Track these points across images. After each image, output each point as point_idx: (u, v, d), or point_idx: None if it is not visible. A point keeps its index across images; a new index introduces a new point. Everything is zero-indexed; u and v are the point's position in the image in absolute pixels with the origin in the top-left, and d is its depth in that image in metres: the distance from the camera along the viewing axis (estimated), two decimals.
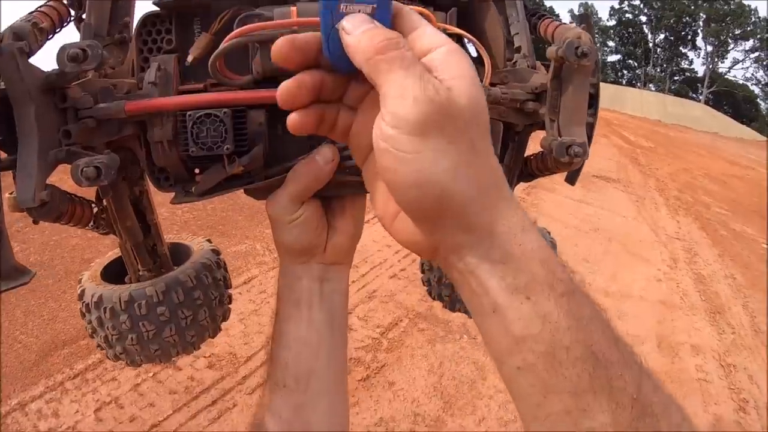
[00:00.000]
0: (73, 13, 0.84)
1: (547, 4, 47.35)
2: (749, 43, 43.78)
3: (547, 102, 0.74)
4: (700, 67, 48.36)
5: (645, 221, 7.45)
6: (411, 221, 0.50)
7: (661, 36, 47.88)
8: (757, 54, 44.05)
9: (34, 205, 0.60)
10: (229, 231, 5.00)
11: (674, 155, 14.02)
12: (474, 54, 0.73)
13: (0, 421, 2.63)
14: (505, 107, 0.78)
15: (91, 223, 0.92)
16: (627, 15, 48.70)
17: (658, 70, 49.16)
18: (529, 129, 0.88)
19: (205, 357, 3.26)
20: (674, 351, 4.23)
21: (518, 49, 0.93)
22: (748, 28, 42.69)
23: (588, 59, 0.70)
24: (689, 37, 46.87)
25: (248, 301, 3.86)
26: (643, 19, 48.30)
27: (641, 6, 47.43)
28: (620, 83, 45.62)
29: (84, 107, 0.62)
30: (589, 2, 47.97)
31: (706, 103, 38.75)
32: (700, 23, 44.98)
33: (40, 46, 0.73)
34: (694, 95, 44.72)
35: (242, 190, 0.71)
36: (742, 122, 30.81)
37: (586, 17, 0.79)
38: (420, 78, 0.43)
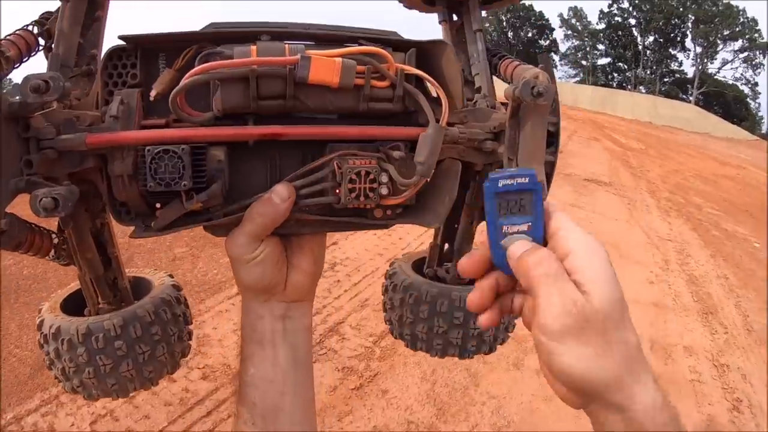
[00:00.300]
0: (42, 42, 0.85)
1: (537, 8, 47.75)
2: (738, 44, 44.08)
3: (506, 141, 0.76)
4: (689, 69, 48.62)
5: (637, 224, 7.49)
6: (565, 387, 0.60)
7: (651, 38, 48.14)
8: (745, 54, 44.32)
9: None
10: (220, 242, 4.96)
11: (665, 157, 14.09)
12: (434, 94, 0.75)
13: None
14: (464, 147, 0.79)
15: (52, 254, 0.92)
16: (616, 18, 48.95)
17: (648, 72, 49.41)
18: (488, 168, 0.89)
19: (199, 368, 3.26)
20: (667, 353, 4.25)
21: (479, 89, 0.96)
22: (737, 29, 42.98)
23: (544, 99, 0.71)
24: (678, 38, 47.12)
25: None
26: (633, 21, 48.57)
27: (630, 9, 47.76)
28: (611, 86, 45.80)
29: (46, 138, 0.61)
30: (578, 6, 48.39)
31: (697, 103, 38.94)
32: (689, 25, 45.24)
33: (5, 75, 0.74)
34: (684, 96, 44.93)
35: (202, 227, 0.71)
36: (733, 122, 30.92)
37: (546, 59, 0.81)
38: (561, 292, 0.56)
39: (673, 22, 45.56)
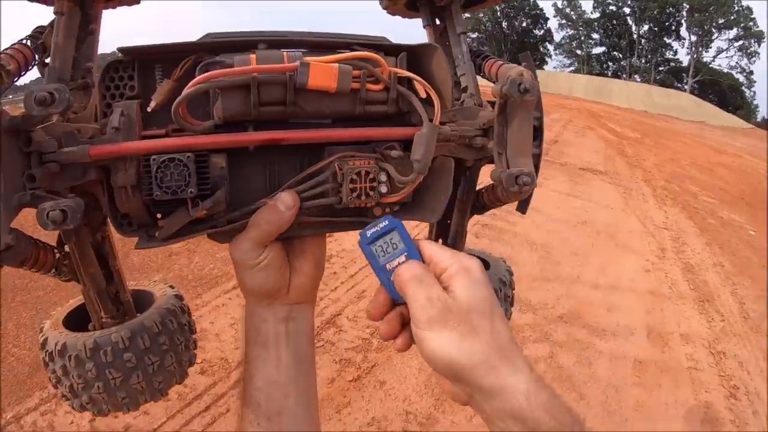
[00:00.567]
0: (37, 57, 0.85)
1: None
2: (733, 32, 43.98)
3: (495, 136, 0.79)
4: (684, 57, 48.57)
5: (633, 212, 7.50)
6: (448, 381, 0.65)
7: (645, 27, 48.06)
8: (740, 42, 44.28)
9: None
10: None
11: (661, 145, 14.11)
12: (423, 95, 0.78)
13: None
14: (455, 144, 0.82)
15: (54, 270, 0.91)
16: (611, 7, 48.82)
17: (643, 61, 49.37)
18: (479, 163, 0.93)
19: (197, 363, 3.25)
20: (664, 341, 4.27)
21: (465, 89, 0.99)
22: (732, 17, 42.94)
23: (530, 94, 0.75)
24: (673, 27, 47.07)
25: (238, 306, 3.86)
26: (627, 10, 48.44)
27: None
28: (606, 75, 45.81)
29: (48, 151, 0.62)
30: None
31: (692, 92, 38.90)
32: (684, 13, 45.16)
33: (7, 88, 0.74)
34: (679, 85, 45.00)
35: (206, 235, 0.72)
36: (728, 110, 30.98)
37: (527, 57, 0.85)
38: (427, 290, 0.63)
39: (667, 11, 45.49)
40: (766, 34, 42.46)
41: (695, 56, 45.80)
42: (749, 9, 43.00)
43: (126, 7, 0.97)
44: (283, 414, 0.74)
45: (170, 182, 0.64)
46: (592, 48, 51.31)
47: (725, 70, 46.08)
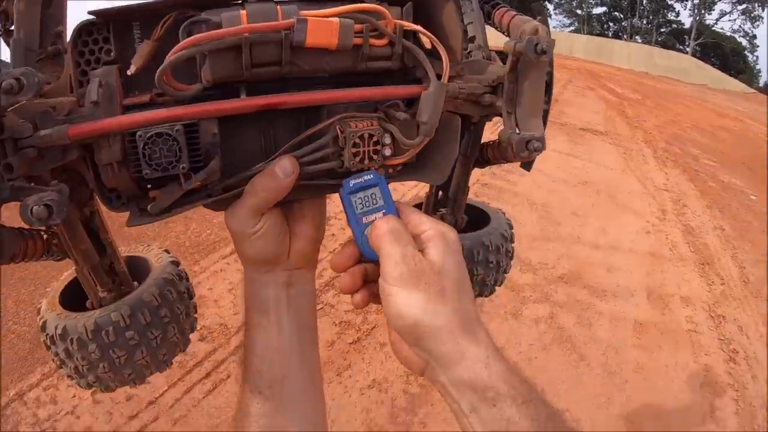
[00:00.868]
0: (0, 26, 0.77)
1: None
2: None
3: (504, 95, 0.74)
4: (687, 19, 48.03)
5: (633, 173, 7.43)
6: (406, 345, 0.65)
7: None
8: (744, 6, 43.58)
9: None
10: None
11: (662, 107, 13.94)
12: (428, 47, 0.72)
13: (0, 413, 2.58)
14: (461, 101, 0.77)
15: (45, 254, 0.87)
16: None
17: (645, 21, 48.57)
18: (485, 119, 0.89)
19: (196, 330, 3.21)
20: (664, 302, 4.26)
21: (472, 39, 0.91)
22: None
23: (547, 56, 0.70)
24: None
25: (236, 271, 3.82)
26: None
27: None
28: (606, 35, 45.14)
29: (23, 136, 0.54)
30: None
31: (694, 55, 38.46)
32: None
33: None
34: (681, 47, 44.35)
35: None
36: (730, 74, 30.58)
37: (540, 9, 0.82)
38: (403, 248, 0.62)
39: None
40: None
41: (698, 18, 45.07)
42: None
43: None
44: (285, 380, 0.71)
45: (160, 159, 0.59)
46: (592, 8, 50.39)
47: (728, 34, 45.41)
